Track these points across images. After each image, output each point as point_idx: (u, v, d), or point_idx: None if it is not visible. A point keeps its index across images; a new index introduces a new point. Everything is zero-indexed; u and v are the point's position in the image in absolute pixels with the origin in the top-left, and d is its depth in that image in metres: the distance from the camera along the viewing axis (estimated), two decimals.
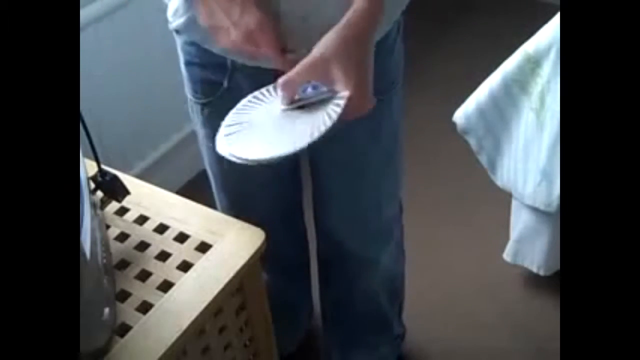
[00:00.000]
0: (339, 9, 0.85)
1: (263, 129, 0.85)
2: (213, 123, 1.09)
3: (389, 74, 1.07)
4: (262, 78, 0.92)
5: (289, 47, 0.90)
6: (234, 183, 1.20)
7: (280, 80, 0.83)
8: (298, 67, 0.82)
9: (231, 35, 0.87)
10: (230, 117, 0.88)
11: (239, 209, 1.16)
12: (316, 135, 0.79)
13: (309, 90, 0.86)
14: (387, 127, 1.13)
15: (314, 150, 1.14)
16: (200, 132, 1.14)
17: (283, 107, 0.85)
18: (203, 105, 1.09)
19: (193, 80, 1.08)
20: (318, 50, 0.82)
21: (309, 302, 1.53)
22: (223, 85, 1.04)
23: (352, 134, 1.08)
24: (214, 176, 1.22)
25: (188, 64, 1.07)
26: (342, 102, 0.81)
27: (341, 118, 0.81)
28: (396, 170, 1.22)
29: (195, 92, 1.09)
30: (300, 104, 0.85)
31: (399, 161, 1.22)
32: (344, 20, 0.83)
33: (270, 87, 0.90)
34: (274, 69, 0.89)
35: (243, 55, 0.94)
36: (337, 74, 0.81)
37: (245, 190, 1.20)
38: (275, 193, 1.24)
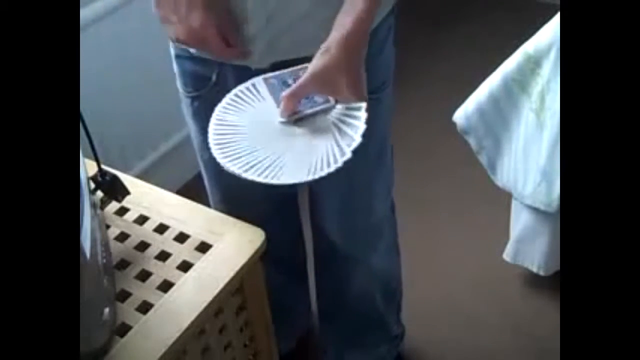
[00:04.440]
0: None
1: (268, 145, 0.84)
2: (202, 116, 1.09)
3: (379, 74, 1.07)
4: (247, 74, 0.95)
5: (254, 53, 0.93)
6: (226, 176, 1.20)
7: (285, 94, 0.84)
8: (303, 80, 0.82)
9: (177, 30, 0.91)
10: (217, 123, 0.88)
11: (231, 202, 1.16)
12: (340, 161, 0.79)
13: (303, 100, 0.85)
14: (378, 127, 1.13)
15: None
16: (191, 125, 1.15)
17: (281, 119, 0.85)
18: (192, 98, 1.10)
19: (183, 73, 1.10)
20: (320, 61, 0.81)
21: (306, 299, 1.53)
22: (211, 79, 1.04)
23: None
24: (205, 168, 1.21)
25: (177, 56, 1.09)
26: (363, 116, 0.80)
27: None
28: (386, 171, 1.22)
29: (185, 85, 1.10)
30: (298, 117, 0.85)
31: (389, 162, 1.21)
32: (338, 29, 0.82)
33: (250, 85, 0.91)
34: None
35: (189, 47, 0.99)
36: (345, 85, 0.79)
37: (238, 183, 1.20)
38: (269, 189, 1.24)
